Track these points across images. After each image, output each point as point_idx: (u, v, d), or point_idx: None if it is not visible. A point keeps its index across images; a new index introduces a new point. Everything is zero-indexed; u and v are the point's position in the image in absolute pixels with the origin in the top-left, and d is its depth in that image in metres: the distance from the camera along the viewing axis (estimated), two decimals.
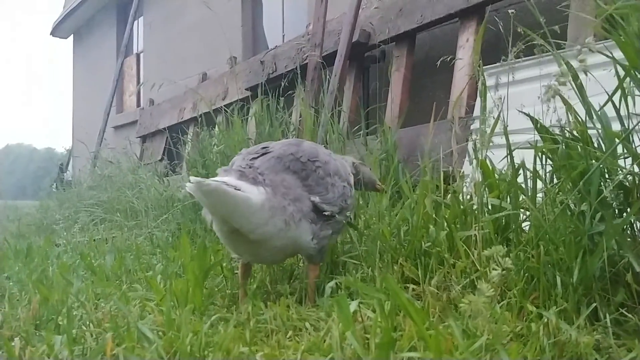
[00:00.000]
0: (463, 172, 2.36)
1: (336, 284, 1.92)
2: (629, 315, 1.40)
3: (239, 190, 1.67)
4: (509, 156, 1.79)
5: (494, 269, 1.30)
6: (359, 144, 3.83)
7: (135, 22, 11.73)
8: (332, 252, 2.29)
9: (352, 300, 1.55)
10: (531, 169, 1.76)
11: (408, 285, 1.91)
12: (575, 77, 1.69)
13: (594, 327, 1.40)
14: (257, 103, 4.78)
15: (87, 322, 1.71)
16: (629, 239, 1.57)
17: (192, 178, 1.59)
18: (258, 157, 1.96)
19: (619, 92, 1.62)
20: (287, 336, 1.54)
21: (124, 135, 9.86)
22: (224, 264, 2.38)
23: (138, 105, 11.84)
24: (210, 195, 1.63)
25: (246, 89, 6.22)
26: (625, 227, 1.57)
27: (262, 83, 5.22)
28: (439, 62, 2.86)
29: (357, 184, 2.37)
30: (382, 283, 1.78)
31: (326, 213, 1.93)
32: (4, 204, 11.00)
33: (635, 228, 1.61)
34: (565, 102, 1.72)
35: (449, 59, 2.82)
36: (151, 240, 3.68)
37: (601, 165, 1.59)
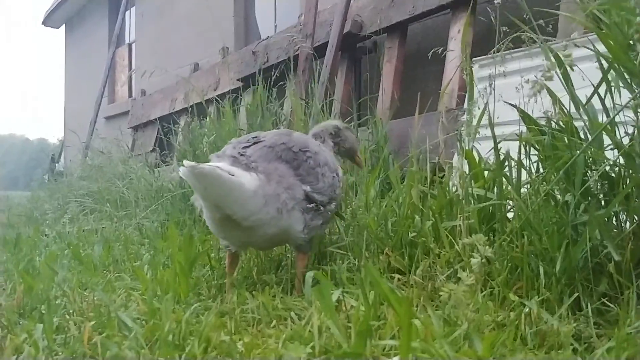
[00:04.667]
0: (451, 163, 2.36)
1: (322, 272, 1.92)
2: (611, 305, 1.41)
3: (232, 175, 1.68)
4: (494, 147, 1.79)
5: (472, 256, 1.30)
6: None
7: (128, 12, 11.66)
8: (320, 242, 2.29)
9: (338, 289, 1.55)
10: (514, 160, 1.76)
11: (394, 275, 1.91)
12: (562, 69, 1.69)
13: (576, 316, 1.40)
14: (248, 94, 4.76)
15: (71, 311, 1.71)
16: (614, 230, 1.58)
17: (185, 162, 1.60)
18: (249, 145, 1.97)
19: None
20: (272, 325, 1.54)
21: (115, 126, 9.79)
22: (212, 254, 2.37)
23: (130, 95, 11.78)
24: (204, 179, 1.64)
25: (238, 80, 6.19)
26: (610, 217, 1.57)
27: (253, 74, 5.20)
28: (430, 54, 2.85)
29: (337, 149, 2.36)
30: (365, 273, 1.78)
31: (317, 201, 1.94)
32: None
33: (619, 218, 1.61)
34: (551, 93, 1.72)
35: (440, 50, 2.81)
36: (140, 230, 3.67)
37: (587, 156, 1.59)
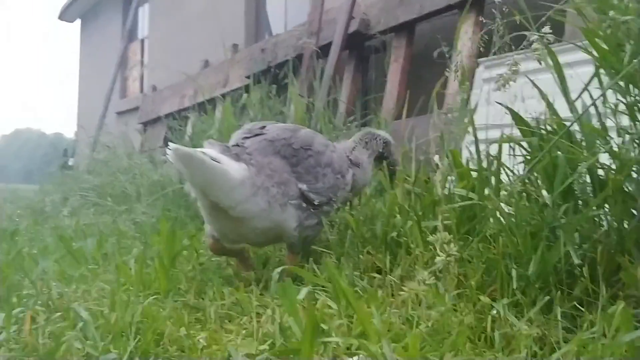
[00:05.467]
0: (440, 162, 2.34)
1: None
2: (583, 310, 1.37)
3: (216, 161, 1.66)
4: (475, 147, 1.76)
5: (438, 255, 1.28)
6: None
7: (141, 8, 11.71)
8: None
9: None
10: (503, 162, 1.73)
11: (375, 274, 1.88)
12: (560, 72, 1.66)
13: (547, 319, 1.36)
14: (252, 91, 4.75)
15: (39, 302, 1.70)
16: (604, 230, 1.54)
17: (170, 144, 1.60)
18: (250, 137, 1.95)
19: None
20: (242, 321, 1.52)
21: (127, 121, 9.85)
22: (200, 251, 2.36)
23: (141, 91, 11.81)
24: (188, 162, 1.63)
25: (247, 77, 6.19)
26: (591, 220, 1.53)
27: (261, 71, 5.20)
28: (436, 53, 2.82)
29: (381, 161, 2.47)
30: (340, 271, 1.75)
31: (313, 201, 1.92)
32: (4, 187, 11.05)
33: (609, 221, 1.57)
34: (542, 95, 1.70)
35: (446, 50, 2.77)
36: (136, 225, 3.66)
37: (572, 158, 1.55)
